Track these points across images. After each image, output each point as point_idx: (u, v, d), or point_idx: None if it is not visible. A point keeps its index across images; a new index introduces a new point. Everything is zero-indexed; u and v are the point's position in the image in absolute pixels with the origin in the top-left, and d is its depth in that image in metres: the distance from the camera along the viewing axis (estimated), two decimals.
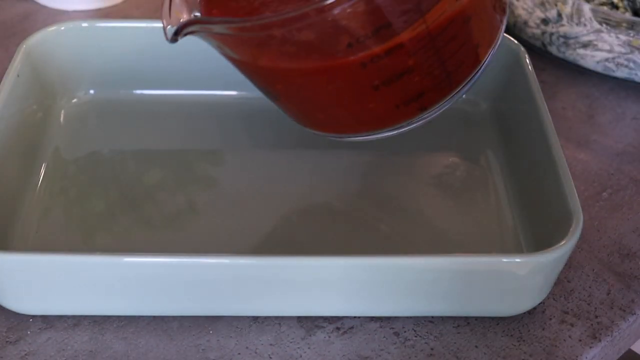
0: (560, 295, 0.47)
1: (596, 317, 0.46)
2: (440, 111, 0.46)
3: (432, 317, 0.46)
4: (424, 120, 0.46)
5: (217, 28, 0.41)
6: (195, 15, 0.42)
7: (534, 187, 0.50)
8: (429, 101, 0.45)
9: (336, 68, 0.42)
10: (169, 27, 0.42)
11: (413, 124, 0.46)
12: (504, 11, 0.47)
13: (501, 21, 0.47)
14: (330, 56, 0.41)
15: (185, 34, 0.42)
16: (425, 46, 0.42)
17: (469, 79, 0.46)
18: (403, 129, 0.46)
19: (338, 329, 0.45)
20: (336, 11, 0.39)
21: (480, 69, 0.46)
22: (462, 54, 0.44)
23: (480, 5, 0.44)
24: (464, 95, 0.48)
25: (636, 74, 0.62)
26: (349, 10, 0.39)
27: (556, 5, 0.64)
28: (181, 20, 0.42)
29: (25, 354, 0.43)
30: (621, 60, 0.62)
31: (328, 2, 0.38)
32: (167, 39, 0.43)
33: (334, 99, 0.45)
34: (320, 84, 0.44)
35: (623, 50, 0.61)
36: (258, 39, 0.42)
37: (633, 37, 0.61)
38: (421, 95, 0.44)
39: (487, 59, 0.46)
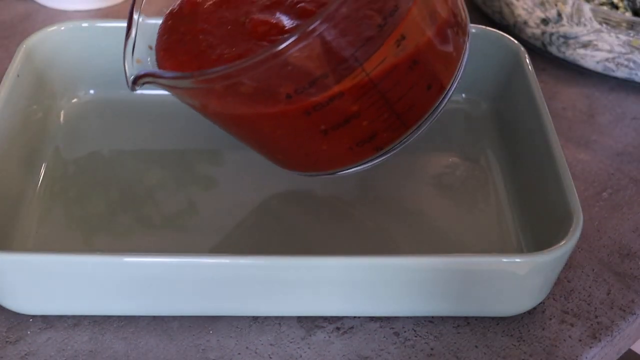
0: (560, 295, 0.47)
1: (596, 317, 0.46)
2: (405, 145, 0.46)
3: (432, 317, 0.46)
4: (389, 155, 0.46)
5: (166, 82, 0.43)
6: (145, 72, 0.43)
7: (534, 187, 0.50)
8: (384, 142, 0.45)
9: (280, 115, 0.42)
10: (131, 77, 0.44)
11: (375, 160, 0.46)
12: (464, 33, 0.46)
13: (462, 46, 0.46)
14: (273, 105, 0.42)
15: (142, 84, 0.44)
16: (367, 93, 0.42)
17: (428, 114, 0.45)
18: (368, 165, 0.46)
19: (338, 329, 0.45)
20: (273, 64, 0.39)
21: (442, 101, 0.45)
22: (411, 97, 0.44)
23: (428, 49, 0.43)
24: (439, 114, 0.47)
25: (636, 74, 0.62)
26: (285, 63, 0.39)
27: (556, 5, 0.64)
28: (134, 75, 0.43)
29: (25, 354, 0.43)
30: (621, 60, 0.62)
31: (262, 56, 0.39)
32: (128, 85, 0.44)
33: (287, 143, 0.46)
34: (269, 129, 0.44)
35: (623, 50, 0.61)
36: (203, 90, 0.43)
37: (633, 37, 0.61)
38: (373, 137, 0.44)
39: (450, 89, 0.46)
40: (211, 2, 0.47)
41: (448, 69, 0.45)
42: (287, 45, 0.39)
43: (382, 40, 0.41)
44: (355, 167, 0.46)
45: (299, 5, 0.45)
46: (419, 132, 0.45)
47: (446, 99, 0.46)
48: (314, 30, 0.39)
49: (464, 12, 0.47)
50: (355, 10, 0.39)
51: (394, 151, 0.46)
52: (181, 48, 0.46)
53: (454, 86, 0.46)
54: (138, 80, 0.43)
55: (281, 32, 0.44)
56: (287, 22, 0.44)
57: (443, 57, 0.45)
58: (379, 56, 0.41)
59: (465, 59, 0.47)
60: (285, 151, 0.47)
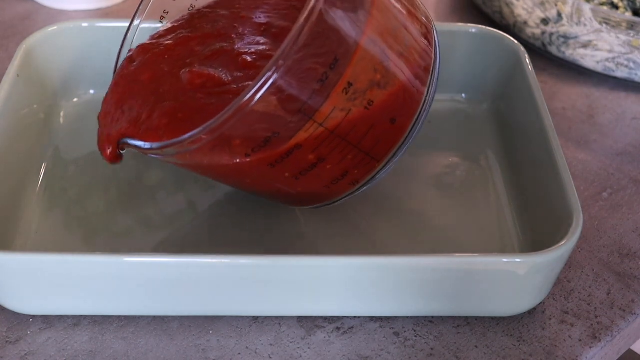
0: (560, 295, 0.47)
1: (596, 317, 0.46)
2: (384, 176, 0.46)
3: (432, 317, 0.46)
4: (371, 184, 0.46)
5: (130, 148, 0.44)
6: (119, 144, 0.45)
7: (534, 187, 0.50)
8: (357, 176, 0.45)
9: (247, 168, 0.43)
10: (109, 151, 0.45)
11: (358, 191, 0.46)
12: (427, 56, 0.45)
13: (426, 70, 0.45)
14: (236, 160, 0.42)
15: (120, 153, 0.45)
16: (325, 140, 0.42)
17: (398, 145, 0.45)
18: (353, 195, 0.47)
19: (338, 329, 0.45)
20: (220, 133, 0.40)
21: (413, 128, 0.45)
22: (375, 135, 0.43)
23: (382, 89, 0.43)
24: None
25: (636, 74, 0.62)
26: (236, 125, 0.39)
27: (556, 5, 0.64)
28: (109, 151, 0.45)
29: (25, 354, 0.43)
30: (621, 60, 0.62)
31: (202, 132, 0.39)
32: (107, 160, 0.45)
33: (264, 188, 0.46)
34: (241, 177, 0.45)
35: (623, 50, 0.61)
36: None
37: (633, 37, 0.61)
38: (345, 174, 0.44)
39: (421, 115, 0.45)
40: (157, 50, 0.48)
41: (413, 98, 0.45)
42: (237, 105, 0.38)
43: (328, 91, 0.40)
44: (338, 200, 0.47)
45: (240, 58, 0.45)
46: (395, 160, 0.45)
47: (419, 124, 0.45)
48: (262, 85, 0.38)
49: (424, 34, 0.46)
50: (298, 64, 0.39)
51: (375, 181, 0.46)
52: (133, 101, 0.46)
53: (427, 110, 0.46)
54: (116, 151, 0.45)
55: (218, 84, 0.44)
56: (225, 75, 0.44)
57: (402, 91, 0.44)
58: (328, 107, 0.41)
59: (434, 82, 0.46)
60: (268, 193, 0.47)
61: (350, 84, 0.41)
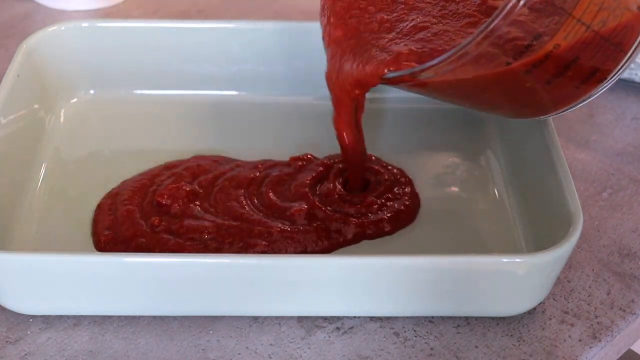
0: (560, 295, 0.47)
1: (596, 317, 0.46)
2: (622, 73, 0.46)
3: (432, 317, 0.45)
4: (607, 86, 0.46)
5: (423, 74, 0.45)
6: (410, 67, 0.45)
7: (534, 187, 0.50)
8: (606, 72, 0.45)
9: (501, 78, 0.43)
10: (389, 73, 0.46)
11: (599, 91, 0.46)
12: None
13: None
14: (494, 71, 0.43)
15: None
16: (579, 36, 0.42)
17: None
18: (592, 97, 0.47)
19: (338, 329, 0.45)
20: (493, 38, 0.41)
21: None
22: (624, 23, 0.43)
23: None
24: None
25: (636, 74, 0.62)
26: (498, 38, 0.41)
27: None
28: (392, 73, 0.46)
29: (25, 354, 0.43)
30: None
31: (477, 36, 0.40)
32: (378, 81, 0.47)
33: (510, 98, 0.47)
34: (488, 90, 0.46)
35: None
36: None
37: None
38: (595, 71, 0.44)
39: None
40: None
41: None
42: (500, 19, 0.40)
43: None
44: (579, 102, 0.47)
45: None
46: (637, 53, 0.45)
47: None
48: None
49: None
50: None
51: (615, 78, 0.46)
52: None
53: None
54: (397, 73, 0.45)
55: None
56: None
57: None
58: (585, 0, 0.41)
59: None
60: (509, 105, 0.48)
61: None
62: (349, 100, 0.48)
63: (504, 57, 0.42)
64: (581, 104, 0.47)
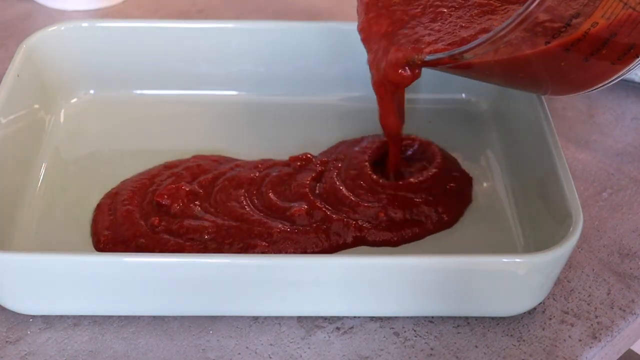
0: (560, 295, 0.47)
1: (596, 317, 0.46)
2: None
3: (432, 317, 0.45)
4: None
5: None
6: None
7: (534, 187, 0.50)
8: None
9: (541, 57, 0.44)
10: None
11: (634, 67, 0.47)
12: None
13: None
14: (533, 51, 0.44)
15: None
16: (617, 12, 0.42)
17: None
18: (627, 73, 0.47)
19: (338, 329, 0.45)
20: (532, 19, 0.42)
21: None
22: None
23: None
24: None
25: (636, 74, 0.62)
26: (536, 21, 0.42)
27: None
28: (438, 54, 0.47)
29: (25, 354, 0.43)
30: None
31: (515, 20, 0.41)
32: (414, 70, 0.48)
33: (548, 75, 0.47)
34: (527, 70, 0.46)
35: None
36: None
37: None
38: (632, 46, 0.45)
39: None
40: None
41: None
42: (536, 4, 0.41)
43: None
44: (614, 79, 0.47)
45: None
46: None
47: None
48: None
49: None
50: None
51: None
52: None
53: None
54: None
55: None
56: None
57: None
58: None
59: None
60: (546, 83, 0.48)
61: None
62: (392, 88, 0.49)
63: (542, 37, 0.42)
64: (615, 81, 0.47)
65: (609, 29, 0.43)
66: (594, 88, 0.48)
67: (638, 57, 0.46)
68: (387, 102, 0.50)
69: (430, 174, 0.52)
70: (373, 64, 0.49)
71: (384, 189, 0.51)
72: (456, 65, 0.46)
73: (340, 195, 0.51)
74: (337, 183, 0.51)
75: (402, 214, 0.50)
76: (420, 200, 0.51)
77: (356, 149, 0.54)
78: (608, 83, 0.47)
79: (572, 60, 0.44)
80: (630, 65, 0.46)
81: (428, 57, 0.46)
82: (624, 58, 0.45)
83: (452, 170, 0.54)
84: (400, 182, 0.52)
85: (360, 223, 0.49)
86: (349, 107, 0.59)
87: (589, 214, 0.52)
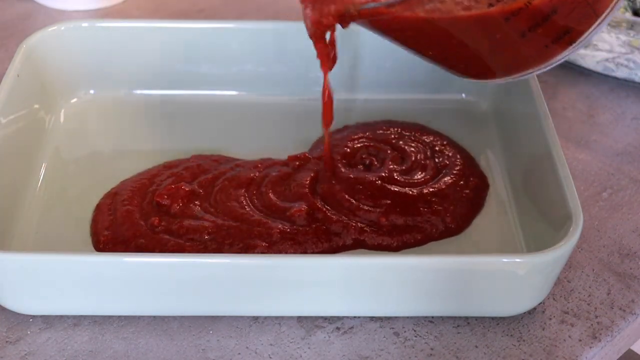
0: (560, 295, 0.47)
1: (596, 317, 0.46)
2: (589, 39, 0.46)
3: (432, 317, 0.45)
4: (576, 49, 0.46)
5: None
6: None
7: (534, 187, 0.50)
8: (576, 34, 0.45)
9: (478, 23, 0.44)
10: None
11: (563, 57, 0.47)
12: None
13: None
14: (472, 13, 0.43)
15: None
16: None
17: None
18: (554, 64, 0.47)
19: (338, 329, 0.45)
20: None
21: None
22: None
23: None
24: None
25: (636, 74, 0.62)
26: None
27: None
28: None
29: (25, 354, 0.43)
30: (621, 60, 0.62)
31: None
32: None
33: (482, 48, 0.47)
34: (460, 36, 0.46)
35: (623, 50, 0.61)
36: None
37: (633, 37, 0.61)
38: (567, 32, 0.45)
39: None
40: None
41: None
42: None
43: None
44: (546, 65, 0.47)
45: None
46: (609, 18, 0.46)
47: None
48: None
49: None
50: None
51: (581, 45, 0.46)
52: None
53: None
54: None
55: None
56: None
57: None
58: None
59: None
60: (479, 57, 0.48)
61: None
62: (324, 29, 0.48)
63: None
64: (543, 70, 0.47)
65: (551, 4, 0.43)
66: (523, 72, 0.47)
67: (572, 44, 0.45)
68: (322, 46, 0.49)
69: (447, 182, 0.51)
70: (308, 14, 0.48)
71: (387, 194, 0.51)
72: (392, 17, 0.45)
73: (339, 198, 0.51)
74: (337, 187, 0.51)
75: (404, 221, 0.49)
76: (427, 209, 0.50)
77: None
78: (539, 69, 0.47)
79: (509, 32, 0.44)
80: (564, 52, 0.46)
81: (364, 7, 0.45)
82: (558, 42, 0.45)
83: (470, 174, 0.53)
84: (411, 192, 0.51)
85: (360, 225, 0.49)
86: (348, 107, 0.59)
87: (589, 214, 0.52)
